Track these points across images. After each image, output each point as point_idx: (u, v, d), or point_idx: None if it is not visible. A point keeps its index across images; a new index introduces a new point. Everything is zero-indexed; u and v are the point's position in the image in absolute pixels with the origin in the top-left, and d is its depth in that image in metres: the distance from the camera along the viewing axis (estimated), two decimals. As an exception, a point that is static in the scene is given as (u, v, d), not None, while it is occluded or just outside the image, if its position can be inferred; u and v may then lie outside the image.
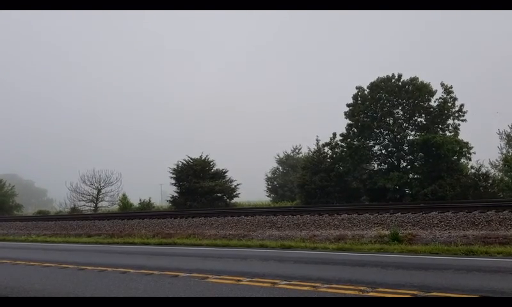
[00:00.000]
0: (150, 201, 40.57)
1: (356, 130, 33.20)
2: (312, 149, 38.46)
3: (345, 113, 33.60)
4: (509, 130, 36.61)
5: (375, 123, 32.69)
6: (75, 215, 34.17)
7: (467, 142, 30.10)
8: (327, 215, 17.44)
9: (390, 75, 32.38)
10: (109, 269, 9.88)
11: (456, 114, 31.20)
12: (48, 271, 10.37)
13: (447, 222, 14.58)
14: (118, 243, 17.93)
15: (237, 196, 39.02)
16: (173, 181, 38.76)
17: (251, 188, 48.58)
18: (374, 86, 32.64)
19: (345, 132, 33.68)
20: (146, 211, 35.02)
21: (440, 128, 31.56)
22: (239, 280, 7.89)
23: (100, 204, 44.25)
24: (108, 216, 26.23)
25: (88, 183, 43.72)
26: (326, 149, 35.16)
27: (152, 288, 7.56)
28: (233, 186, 38.65)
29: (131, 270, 9.51)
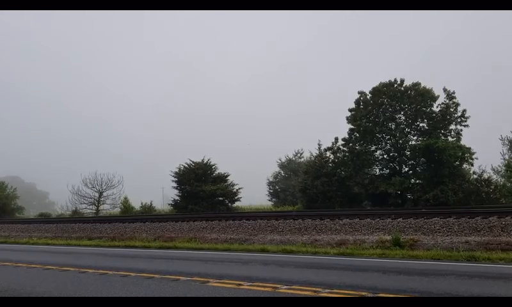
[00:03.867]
0: (151, 204, 40.60)
1: (358, 135, 33.21)
2: (314, 154, 38.51)
3: (347, 118, 33.62)
4: (511, 136, 36.56)
5: (377, 128, 32.70)
6: (76, 218, 34.16)
7: (469, 148, 30.07)
8: (328, 219, 17.40)
9: (392, 80, 32.40)
10: (110, 272, 9.87)
11: (458, 120, 31.19)
12: (49, 274, 10.37)
13: (449, 228, 14.53)
14: (119, 246, 17.92)
15: (238, 200, 39.05)
16: (175, 185, 38.80)
17: (253, 193, 48.60)
18: (376, 91, 32.67)
19: (347, 136, 33.69)
20: (147, 214, 35.04)
21: (442, 134, 31.54)
22: (239, 284, 7.88)
23: (101, 207, 44.28)
24: (109, 219, 26.23)
25: (90, 186, 43.80)
26: (328, 153, 35.19)
27: (152, 292, 7.55)
28: (234, 190, 38.66)
29: (132, 274, 9.50)
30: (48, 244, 20.22)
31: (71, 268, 10.85)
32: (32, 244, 20.96)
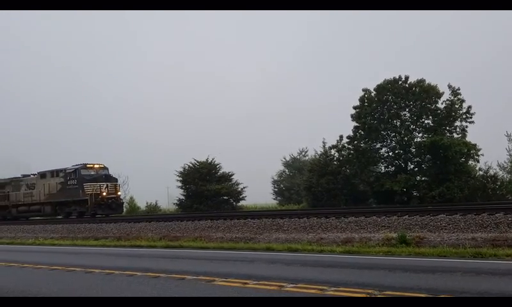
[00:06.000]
0: (156, 204, 40.66)
1: (362, 133, 33.07)
2: (319, 152, 38.43)
3: (352, 115, 33.50)
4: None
5: (382, 125, 32.57)
6: (82, 218, 34.31)
7: (475, 144, 29.90)
8: (334, 217, 17.37)
9: (397, 77, 32.26)
10: (116, 272, 9.89)
11: (464, 116, 31.02)
12: (55, 274, 10.42)
13: (455, 225, 14.46)
14: (124, 246, 17.98)
15: (243, 198, 39.05)
16: (180, 184, 38.84)
17: (258, 192, 48.52)
18: (380, 88, 32.52)
19: (352, 134, 33.58)
20: (152, 214, 35.13)
21: (448, 130, 31.39)
22: (245, 283, 7.87)
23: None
24: (115, 219, 26.30)
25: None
26: (333, 151, 35.08)
27: (158, 291, 7.57)
28: (239, 189, 38.67)
29: (138, 273, 9.52)
30: (54, 245, 20.31)
31: (77, 269, 10.88)
32: (39, 244, 21.06)
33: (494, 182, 29.49)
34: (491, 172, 30.36)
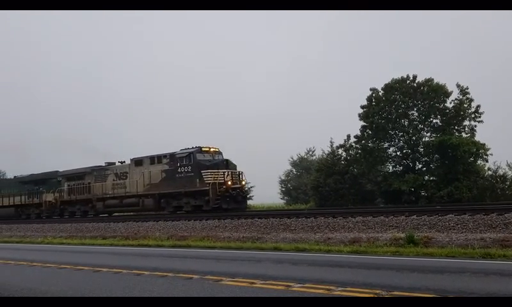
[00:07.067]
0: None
1: (370, 132, 32.98)
2: (326, 152, 38.36)
3: (360, 115, 33.42)
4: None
5: (390, 125, 32.45)
6: (90, 217, 34.46)
7: (484, 144, 29.70)
8: (341, 217, 17.31)
9: (405, 76, 32.12)
10: (124, 271, 9.94)
11: (472, 116, 30.80)
12: (64, 273, 10.49)
13: (464, 225, 14.36)
14: (132, 245, 18.06)
15: (250, 198, 39.06)
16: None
17: (265, 191, 48.57)
18: (388, 88, 32.42)
19: (359, 133, 33.48)
20: (160, 213, 35.17)
21: (456, 130, 31.20)
22: (252, 283, 7.87)
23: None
24: (123, 218, 26.41)
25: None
26: (340, 151, 35.04)
27: (166, 290, 7.59)
28: (246, 188, 38.65)
29: (145, 272, 9.56)
30: (63, 244, 20.47)
31: (85, 268, 10.96)
32: (47, 243, 21.24)
33: (503, 182, 29.29)
34: (500, 172, 30.16)
